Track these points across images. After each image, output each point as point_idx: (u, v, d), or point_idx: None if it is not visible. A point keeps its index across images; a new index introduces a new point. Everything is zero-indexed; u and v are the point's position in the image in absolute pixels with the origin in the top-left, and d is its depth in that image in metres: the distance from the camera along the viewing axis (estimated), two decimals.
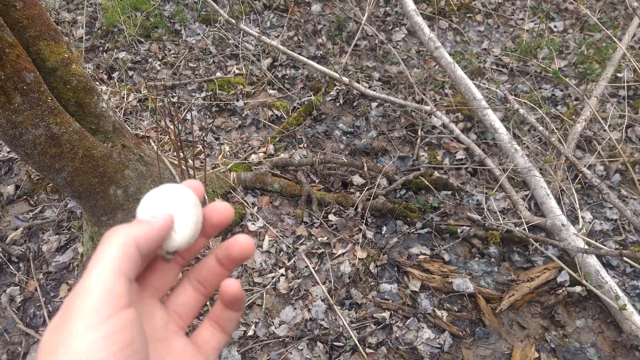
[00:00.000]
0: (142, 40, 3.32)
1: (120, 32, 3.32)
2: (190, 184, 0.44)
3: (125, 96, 2.88)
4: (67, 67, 1.90)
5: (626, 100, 2.76)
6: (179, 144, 2.08)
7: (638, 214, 2.17)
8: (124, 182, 2.03)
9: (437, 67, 3.08)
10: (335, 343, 1.91)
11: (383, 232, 2.32)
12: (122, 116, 2.76)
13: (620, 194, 2.43)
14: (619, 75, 2.94)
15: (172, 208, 0.41)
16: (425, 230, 2.31)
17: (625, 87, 2.74)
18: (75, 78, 1.92)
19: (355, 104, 2.95)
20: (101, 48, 3.26)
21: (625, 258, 1.29)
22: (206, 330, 0.45)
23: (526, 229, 1.71)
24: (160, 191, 0.42)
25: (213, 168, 2.47)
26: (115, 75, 3.08)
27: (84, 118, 1.99)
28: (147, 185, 2.11)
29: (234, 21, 2.81)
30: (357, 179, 2.54)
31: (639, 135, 2.70)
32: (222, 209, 0.44)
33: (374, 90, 2.89)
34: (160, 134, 2.61)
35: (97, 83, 2.96)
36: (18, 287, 2.10)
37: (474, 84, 2.64)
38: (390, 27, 3.50)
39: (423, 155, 2.67)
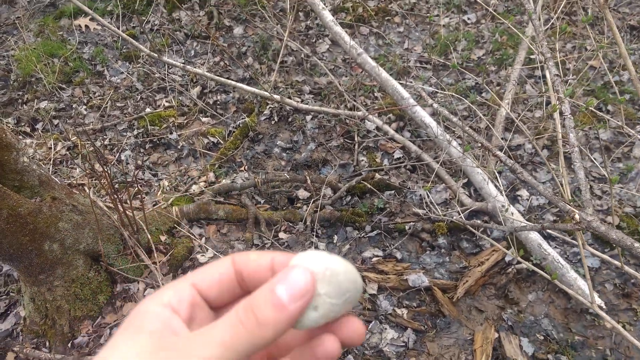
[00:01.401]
0: (64, 86, 3.21)
1: (38, 81, 3.20)
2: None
3: (53, 146, 2.77)
4: None
5: (541, 79, 2.92)
6: (112, 187, 2.01)
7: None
8: (59, 235, 1.95)
9: (363, 72, 3.15)
10: None
11: (335, 241, 2.33)
12: (51, 167, 2.65)
13: (549, 169, 2.55)
14: (532, 57, 3.11)
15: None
16: (375, 232, 2.34)
17: (539, 67, 2.90)
18: None
19: (290, 119, 2.97)
20: (20, 100, 3.13)
21: (548, 230, 1.35)
22: None
23: (462, 217, 1.76)
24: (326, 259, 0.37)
25: (154, 205, 2.41)
26: (39, 126, 2.96)
27: (4, 176, 1.91)
28: (85, 234, 2.03)
29: (156, 55, 2.78)
30: (302, 193, 2.55)
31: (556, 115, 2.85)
32: (354, 329, 0.39)
33: (307, 104, 2.92)
34: (94, 179, 2.52)
35: (21, 137, 2.83)
36: None
37: (400, 83, 2.72)
38: (313, 40, 3.56)
39: (363, 160, 2.72)
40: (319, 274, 0.36)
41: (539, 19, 1.51)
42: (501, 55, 3.22)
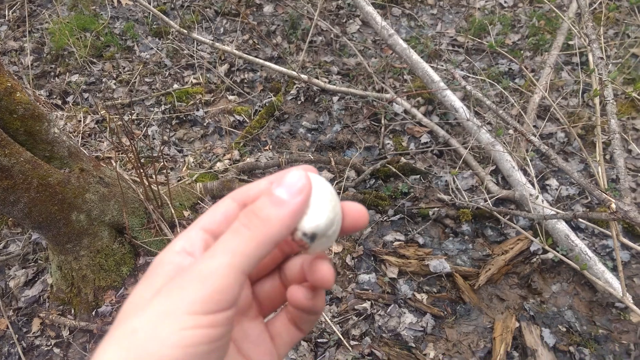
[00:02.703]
0: (95, 60, 3.25)
1: (70, 54, 3.25)
2: None
3: (82, 119, 2.82)
4: (11, 96, 1.84)
5: (579, 67, 2.80)
6: (139, 161, 2.04)
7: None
8: (85, 207, 1.99)
9: (393, 54, 3.09)
10: (319, 340, 1.90)
11: None
12: (80, 139, 2.70)
13: (582, 158, 2.47)
14: (570, 43, 2.99)
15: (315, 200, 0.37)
16: (398, 216, 2.31)
17: (577, 54, 2.79)
18: (21, 106, 1.87)
19: (316, 100, 2.94)
20: (52, 73, 3.18)
21: (580, 219, 1.30)
22: (281, 322, 0.43)
23: (489, 203, 1.72)
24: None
25: (178, 181, 2.43)
26: (69, 99, 3.01)
27: (35, 146, 1.94)
28: (111, 206, 2.07)
29: (185, 31, 2.78)
30: (325, 175, 2.53)
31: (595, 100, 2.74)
32: (358, 209, 0.39)
33: (334, 85, 2.89)
34: (121, 153, 2.56)
35: (52, 109, 2.89)
36: None
37: (431, 66, 2.66)
38: (344, 20, 3.50)
39: (388, 143, 2.68)
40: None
41: None
42: (538, 40, 3.10)
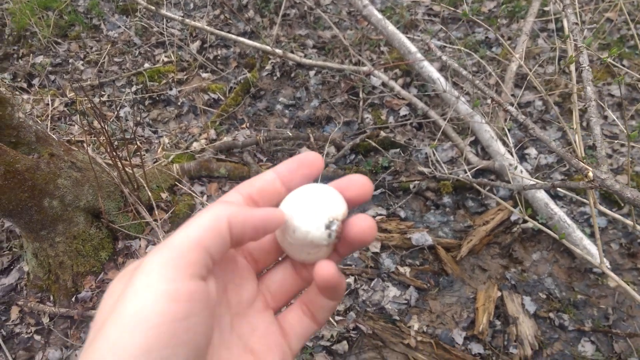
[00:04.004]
0: (59, 40, 3.12)
1: (33, 35, 3.10)
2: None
3: (50, 102, 2.71)
4: None
5: (555, 33, 2.79)
6: (111, 144, 1.97)
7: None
8: (58, 192, 1.92)
9: (369, 26, 3.03)
10: None
11: None
12: (49, 123, 2.60)
13: (560, 126, 2.48)
14: (545, 9, 2.97)
15: (305, 205, 0.37)
16: (379, 191, 2.30)
17: (553, 20, 2.77)
18: None
19: (292, 75, 2.88)
20: (15, 55, 3.04)
21: (558, 188, 1.30)
22: (294, 313, 0.41)
23: (469, 175, 1.71)
24: (310, 189, 0.38)
25: (154, 163, 2.37)
26: (35, 81, 2.89)
27: (0, 132, 1.86)
28: (85, 191, 2.01)
29: (153, 8, 2.67)
30: (305, 151, 2.50)
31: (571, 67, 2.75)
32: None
33: (310, 59, 2.83)
34: (93, 137, 2.48)
35: (17, 92, 2.77)
36: None
37: (408, 37, 2.62)
38: None
39: (367, 117, 2.65)
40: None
41: None
42: (513, 7, 3.08)
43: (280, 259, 0.43)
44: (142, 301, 0.28)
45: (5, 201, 1.75)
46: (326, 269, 0.36)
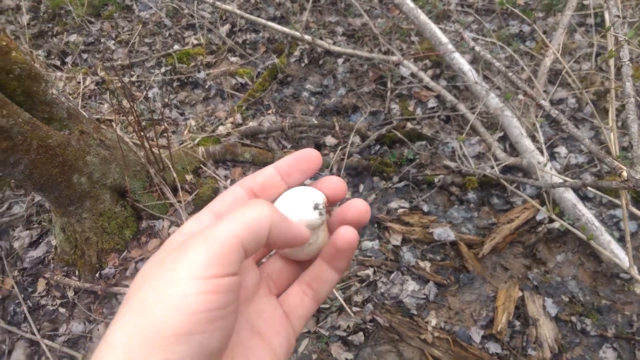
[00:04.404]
0: (93, 20, 3.16)
1: (67, 13, 3.15)
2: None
3: (82, 80, 2.76)
4: (6, 55, 1.79)
5: (594, 28, 2.70)
6: (140, 124, 1.99)
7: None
8: (87, 169, 1.96)
9: (400, 14, 2.98)
10: (321, 306, 1.91)
11: (360, 190, 2.29)
12: (81, 101, 2.65)
13: (593, 125, 2.41)
14: (584, 3, 2.87)
15: (292, 202, 0.41)
16: (403, 183, 2.28)
17: (592, 14, 2.67)
18: (17, 66, 1.82)
19: (320, 62, 2.86)
20: (50, 33, 3.10)
21: (589, 188, 1.27)
22: (295, 296, 0.43)
23: (496, 170, 1.68)
24: (299, 194, 0.42)
25: (180, 144, 2.40)
26: (68, 59, 2.94)
27: (34, 107, 1.90)
28: (112, 169, 2.05)
29: None
30: (329, 140, 2.49)
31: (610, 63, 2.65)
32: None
33: (339, 46, 2.80)
34: (122, 116, 2.52)
35: (51, 69, 2.82)
36: None
37: (439, 27, 2.56)
38: None
39: (395, 108, 2.62)
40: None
41: None
42: (550, 0, 2.98)
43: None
44: (188, 288, 0.30)
45: (37, 175, 1.79)
46: (348, 231, 0.40)
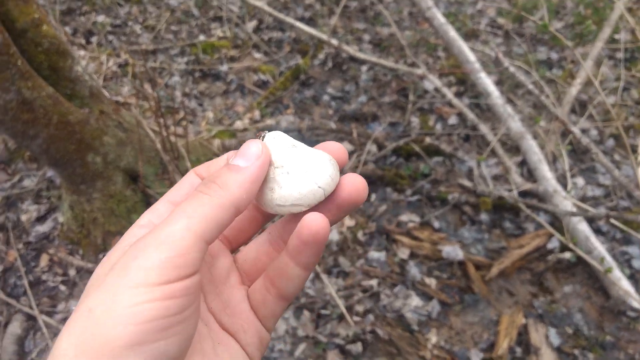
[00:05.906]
0: (122, 2, 3.17)
1: None
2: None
3: (105, 61, 2.77)
4: (37, 28, 1.80)
5: (622, 62, 2.68)
6: (159, 110, 1.99)
7: (628, 177, 2.13)
8: (102, 149, 1.96)
9: (429, 28, 2.97)
10: (322, 311, 1.89)
11: (372, 200, 2.27)
12: (101, 82, 2.65)
13: (613, 159, 2.38)
14: (616, 36, 2.85)
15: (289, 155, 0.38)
16: (416, 197, 2.26)
17: (622, 49, 2.65)
18: (47, 40, 1.82)
19: (344, 67, 2.85)
20: (78, 11, 3.11)
21: (612, 220, 1.25)
22: (258, 293, 0.39)
23: (515, 193, 1.66)
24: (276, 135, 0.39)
25: (196, 135, 2.39)
26: (93, 39, 2.95)
27: (58, 83, 1.90)
28: (127, 152, 2.04)
29: None
30: (346, 146, 2.47)
31: (635, 99, 2.63)
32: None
33: (364, 53, 2.79)
34: (141, 100, 2.51)
35: (75, 47, 2.83)
36: None
37: (468, 46, 2.55)
38: None
39: (414, 121, 2.60)
40: (283, 148, 0.38)
41: None
42: (582, 30, 2.96)
43: (257, 234, 0.43)
44: (138, 297, 0.28)
45: (54, 150, 1.79)
46: (315, 219, 0.34)
